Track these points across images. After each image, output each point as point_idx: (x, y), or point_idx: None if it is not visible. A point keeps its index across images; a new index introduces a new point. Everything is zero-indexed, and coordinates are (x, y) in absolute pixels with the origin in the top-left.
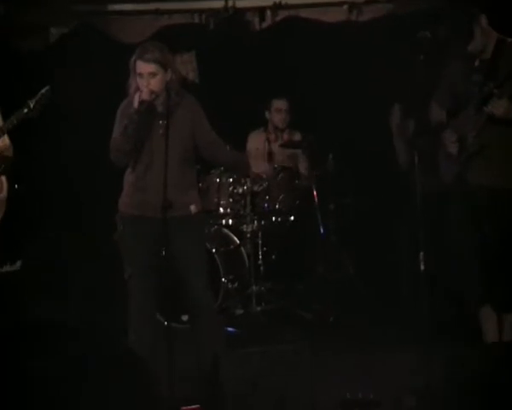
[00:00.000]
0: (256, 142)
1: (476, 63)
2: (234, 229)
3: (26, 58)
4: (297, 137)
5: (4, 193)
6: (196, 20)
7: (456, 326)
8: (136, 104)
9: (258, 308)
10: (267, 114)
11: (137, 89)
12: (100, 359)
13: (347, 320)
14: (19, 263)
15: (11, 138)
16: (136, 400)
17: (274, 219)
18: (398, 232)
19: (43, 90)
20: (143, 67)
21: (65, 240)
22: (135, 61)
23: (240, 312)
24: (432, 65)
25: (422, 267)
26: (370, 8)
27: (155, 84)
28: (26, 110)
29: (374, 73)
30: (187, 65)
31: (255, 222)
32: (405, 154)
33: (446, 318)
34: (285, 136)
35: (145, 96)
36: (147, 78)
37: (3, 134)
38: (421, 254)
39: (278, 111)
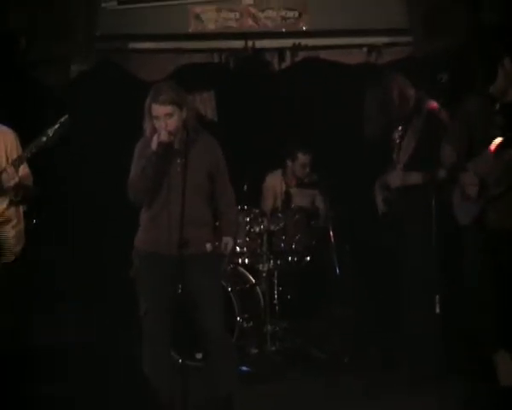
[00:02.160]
0: (273, 184)
1: (497, 106)
2: (250, 268)
3: (46, 92)
4: (314, 177)
5: (22, 225)
6: (216, 60)
7: (471, 369)
8: (154, 146)
9: (273, 348)
10: (289, 163)
11: (154, 130)
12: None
13: (362, 361)
14: None
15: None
16: None
17: (290, 258)
18: (414, 274)
19: (61, 119)
20: (159, 109)
21: (81, 273)
22: (150, 105)
23: (254, 351)
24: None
25: (438, 310)
26: (389, 51)
27: (172, 124)
28: (44, 138)
29: None
30: (206, 103)
31: (271, 261)
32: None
33: (461, 361)
34: (305, 180)
35: (163, 137)
36: (164, 119)
37: (22, 163)
38: (437, 296)
39: (303, 165)
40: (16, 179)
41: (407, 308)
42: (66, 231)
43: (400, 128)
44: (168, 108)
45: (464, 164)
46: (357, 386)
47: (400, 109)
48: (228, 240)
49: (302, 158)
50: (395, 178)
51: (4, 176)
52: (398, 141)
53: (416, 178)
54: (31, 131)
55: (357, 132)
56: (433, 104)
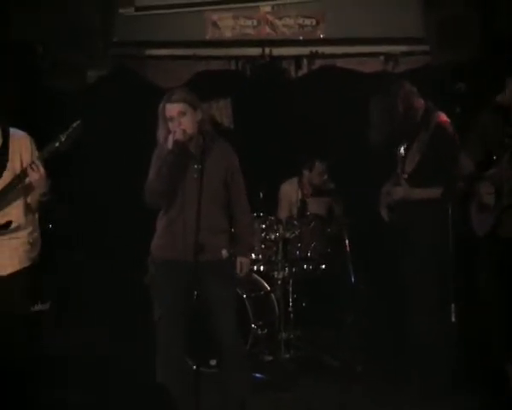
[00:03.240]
0: (289, 192)
1: None
2: (265, 275)
3: (63, 98)
4: (330, 185)
5: (38, 230)
6: (233, 67)
7: (484, 379)
8: (170, 145)
9: (287, 355)
10: (306, 173)
11: (169, 134)
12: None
13: (375, 370)
14: (48, 303)
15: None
16: None
17: (305, 266)
18: (429, 283)
19: (74, 125)
20: (172, 108)
21: (95, 281)
22: (163, 107)
23: (268, 358)
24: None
25: (453, 319)
26: (406, 60)
27: (186, 123)
28: (57, 144)
29: None
30: (222, 111)
31: (286, 269)
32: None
33: (474, 370)
34: (322, 188)
35: (178, 136)
36: (177, 118)
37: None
38: (453, 305)
39: (320, 173)
40: (42, 171)
41: (423, 317)
42: (80, 236)
43: (406, 140)
44: (181, 106)
45: (481, 174)
46: (370, 395)
47: (407, 118)
48: (242, 260)
49: (319, 166)
50: (401, 192)
51: (29, 171)
52: (403, 153)
53: (432, 192)
54: (47, 138)
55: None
56: (442, 117)
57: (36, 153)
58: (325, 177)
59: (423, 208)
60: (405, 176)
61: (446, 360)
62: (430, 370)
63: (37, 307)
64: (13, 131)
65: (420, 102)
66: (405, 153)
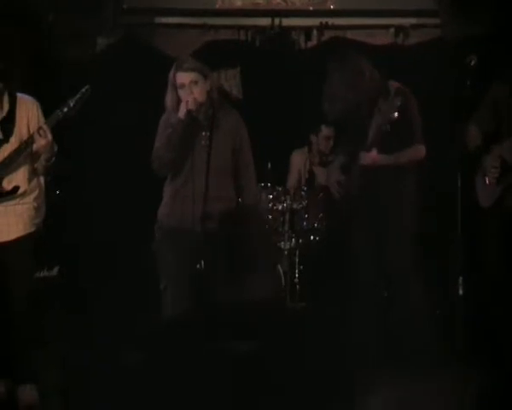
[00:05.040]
0: (298, 161)
1: None
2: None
3: (72, 66)
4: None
5: (43, 196)
6: (242, 37)
7: (490, 354)
8: (182, 115)
9: None
10: (313, 138)
11: (178, 101)
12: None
13: (384, 343)
14: (56, 269)
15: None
16: None
17: (312, 237)
18: (438, 255)
19: (83, 89)
20: (184, 76)
21: (103, 247)
22: (174, 74)
23: None
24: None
25: (461, 292)
26: (417, 33)
27: (198, 92)
28: (65, 109)
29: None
30: (231, 81)
31: (293, 240)
32: None
33: (480, 344)
34: (329, 159)
35: (191, 105)
36: (189, 87)
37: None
38: (461, 278)
39: (326, 138)
40: (49, 136)
41: (431, 289)
42: (87, 204)
43: (368, 109)
44: (193, 75)
45: (488, 147)
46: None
47: (369, 88)
48: None
49: (325, 130)
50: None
51: (36, 136)
52: (365, 121)
53: (397, 157)
54: (55, 105)
55: None
56: (397, 84)
57: (42, 118)
58: (331, 143)
59: (391, 174)
60: (369, 143)
61: (453, 334)
62: (437, 342)
63: (44, 273)
64: (20, 96)
65: (376, 73)
66: (368, 121)
